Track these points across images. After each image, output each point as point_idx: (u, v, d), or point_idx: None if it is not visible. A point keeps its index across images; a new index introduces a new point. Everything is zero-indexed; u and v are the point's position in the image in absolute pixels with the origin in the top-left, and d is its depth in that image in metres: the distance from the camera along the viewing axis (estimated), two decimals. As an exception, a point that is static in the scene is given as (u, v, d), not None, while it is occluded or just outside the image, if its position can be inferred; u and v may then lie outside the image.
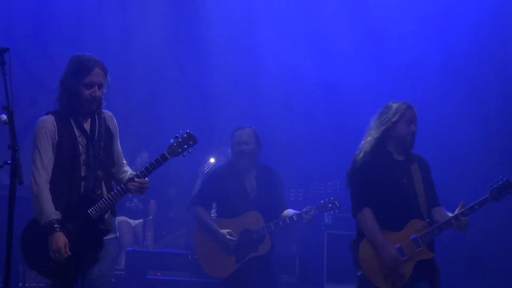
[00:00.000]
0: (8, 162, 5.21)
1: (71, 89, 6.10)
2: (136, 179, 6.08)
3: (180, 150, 6.23)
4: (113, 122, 6.36)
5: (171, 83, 12.38)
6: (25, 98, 10.26)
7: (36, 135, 6.04)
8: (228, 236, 8.25)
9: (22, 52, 11.18)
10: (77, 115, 6.15)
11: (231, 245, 8.25)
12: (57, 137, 6.05)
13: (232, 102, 11.87)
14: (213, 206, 8.82)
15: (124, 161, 6.40)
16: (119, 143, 6.40)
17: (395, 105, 6.87)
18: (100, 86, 6.13)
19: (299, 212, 8.27)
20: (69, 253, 5.90)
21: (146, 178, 6.12)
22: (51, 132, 6.04)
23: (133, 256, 9.35)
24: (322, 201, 8.38)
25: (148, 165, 6.15)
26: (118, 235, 6.40)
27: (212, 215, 8.72)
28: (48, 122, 6.06)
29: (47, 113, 6.13)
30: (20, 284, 9.05)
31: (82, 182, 6.07)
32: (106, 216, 6.12)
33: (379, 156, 6.81)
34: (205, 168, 10.54)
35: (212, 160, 10.39)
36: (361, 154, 6.82)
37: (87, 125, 6.18)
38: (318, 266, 9.65)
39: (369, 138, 6.86)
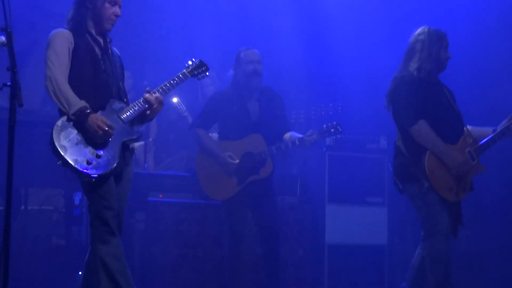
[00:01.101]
0: (8, 84, 5.18)
1: (96, 5, 6.11)
2: (156, 94, 6.14)
3: (196, 72, 6.47)
4: (118, 55, 6.38)
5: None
6: (24, 21, 10.17)
7: (52, 39, 5.99)
8: (229, 159, 8.26)
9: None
10: (94, 31, 6.17)
11: (232, 167, 8.27)
12: (73, 44, 6.01)
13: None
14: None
15: None
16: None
17: (434, 32, 7.15)
18: (120, 6, 6.20)
19: (301, 136, 8.29)
20: (113, 125, 5.92)
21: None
22: (67, 38, 6.01)
23: (134, 178, 9.31)
24: (324, 126, 8.38)
25: (167, 82, 6.26)
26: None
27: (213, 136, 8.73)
28: (64, 31, 6.03)
29: (66, 28, 6.09)
30: (23, 207, 9.11)
31: (107, 88, 6.08)
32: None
33: (428, 76, 7.02)
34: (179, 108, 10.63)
35: (175, 99, 10.41)
36: (415, 72, 6.99)
37: (101, 41, 6.20)
38: (319, 187, 9.66)
39: (416, 60, 7.07)
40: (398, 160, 7.10)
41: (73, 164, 5.73)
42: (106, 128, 5.84)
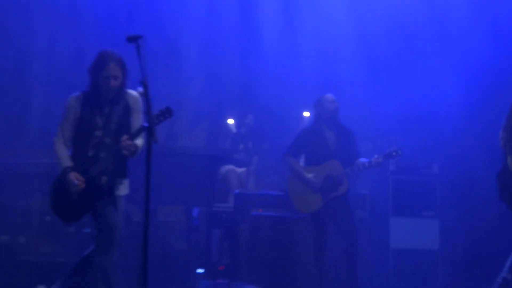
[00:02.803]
0: (145, 125, 5.22)
1: (93, 79, 6.05)
2: (124, 140, 5.89)
3: (157, 121, 5.89)
4: (135, 101, 6.13)
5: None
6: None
7: (65, 107, 6.11)
8: (313, 180, 8.16)
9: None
10: (100, 98, 6.07)
11: (316, 187, 8.15)
12: (78, 114, 6.03)
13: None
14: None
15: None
16: (139, 119, 6.14)
17: None
18: (115, 78, 5.98)
19: (369, 160, 8.16)
20: (83, 185, 5.87)
21: (134, 141, 5.92)
22: (74, 108, 6.04)
23: (239, 197, 9.33)
24: (387, 150, 8.20)
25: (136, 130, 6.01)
26: (124, 193, 6.19)
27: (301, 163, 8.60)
28: (74, 99, 6.09)
29: (82, 92, 6.12)
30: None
31: (90, 149, 5.99)
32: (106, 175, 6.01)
33: None
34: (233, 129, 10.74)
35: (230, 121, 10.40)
36: None
37: (107, 106, 6.07)
38: (384, 203, 9.57)
39: None
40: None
41: None
42: (78, 185, 5.90)
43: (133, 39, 5.24)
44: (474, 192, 9.77)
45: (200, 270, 8.68)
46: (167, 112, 5.89)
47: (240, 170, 10.37)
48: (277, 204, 9.07)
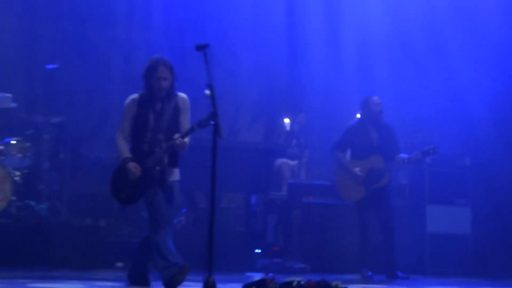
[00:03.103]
0: (211, 122, 5.50)
1: (146, 82, 6.24)
2: (177, 138, 6.07)
3: (205, 123, 5.96)
4: (183, 102, 6.32)
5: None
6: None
7: (124, 107, 6.33)
8: (358, 173, 8.43)
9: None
10: (153, 98, 6.25)
11: (360, 178, 8.42)
12: (135, 112, 6.25)
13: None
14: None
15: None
16: (187, 118, 6.31)
17: None
18: (165, 79, 6.19)
19: (409, 155, 8.40)
20: (140, 173, 6.09)
21: (184, 139, 6.09)
22: (132, 107, 6.26)
23: (292, 186, 9.55)
24: (425, 148, 8.43)
25: (187, 130, 6.19)
26: (175, 179, 6.36)
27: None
28: (131, 100, 6.30)
29: (139, 93, 6.32)
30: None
31: (145, 144, 6.20)
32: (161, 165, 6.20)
33: None
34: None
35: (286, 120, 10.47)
36: None
37: (159, 105, 6.25)
38: (421, 193, 9.57)
39: None
40: None
41: None
42: (136, 172, 6.11)
43: (201, 47, 5.51)
44: (502, 181, 9.78)
45: (257, 251, 8.88)
46: (212, 117, 5.99)
47: (292, 162, 10.45)
48: (326, 193, 9.28)
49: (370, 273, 8.31)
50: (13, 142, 8.91)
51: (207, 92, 5.51)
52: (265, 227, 9.32)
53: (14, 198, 8.54)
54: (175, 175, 6.32)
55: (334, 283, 5.59)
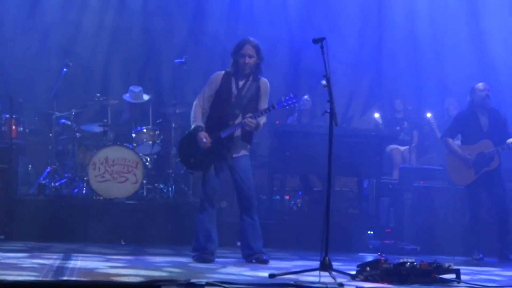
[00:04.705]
0: (328, 111, 5.55)
1: (233, 59, 6.45)
2: (247, 118, 6.23)
3: (285, 104, 6.36)
4: (265, 86, 6.48)
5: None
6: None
7: (209, 80, 6.54)
8: (468, 157, 8.33)
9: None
10: (238, 75, 6.44)
11: (471, 162, 8.32)
12: (218, 87, 6.42)
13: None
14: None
15: None
16: (265, 102, 6.46)
17: None
18: (250, 56, 6.36)
19: None
20: (210, 144, 6.28)
21: (255, 120, 6.26)
22: (216, 81, 6.45)
23: (404, 171, 9.52)
24: None
25: (262, 110, 6.36)
26: (245, 154, 6.50)
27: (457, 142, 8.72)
28: (217, 74, 6.50)
29: (224, 70, 6.52)
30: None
31: (222, 116, 6.38)
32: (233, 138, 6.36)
33: None
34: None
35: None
36: None
37: (242, 82, 6.42)
38: None
39: None
40: None
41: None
42: (206, 142, 6.32)
43: (318, 41, 5.61)
44: None
45: (370, 232, 8.91)
46: (272, 106, 6.36)
47: (403, 148, 10.43)
48: (436, 176, 9.20)
49: (481, 255, 8.19)
50: (144, 130, 9.43)
51: (323, 82, 5.59)
52: (377, 210, 9.25)
53: (145, 181, 9.09)
54: (246, 150, 6.51)
55: (446, 264, 5.56)
